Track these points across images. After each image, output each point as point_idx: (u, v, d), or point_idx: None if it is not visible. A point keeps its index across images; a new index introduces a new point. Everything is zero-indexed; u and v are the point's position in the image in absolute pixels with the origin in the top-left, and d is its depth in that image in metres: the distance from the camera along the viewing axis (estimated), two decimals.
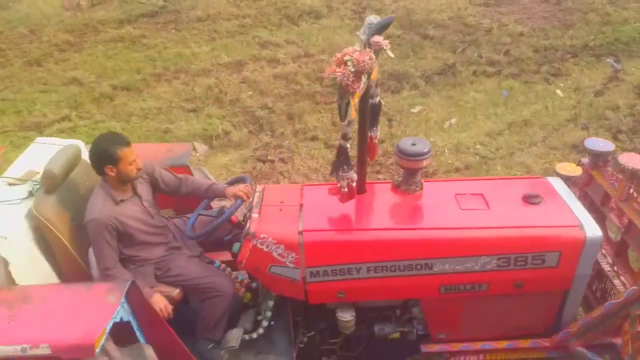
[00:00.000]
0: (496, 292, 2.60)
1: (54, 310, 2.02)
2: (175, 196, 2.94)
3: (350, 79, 2.08)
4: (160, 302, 2.59)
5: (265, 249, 2.52)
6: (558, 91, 6.12)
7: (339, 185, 2.46)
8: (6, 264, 2.22)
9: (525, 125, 5.58)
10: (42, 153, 2.72)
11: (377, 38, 2.26)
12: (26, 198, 2.49)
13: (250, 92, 6.67)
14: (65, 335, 1.90)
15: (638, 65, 6.54)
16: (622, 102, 5.84)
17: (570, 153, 5.06)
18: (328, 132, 5.85)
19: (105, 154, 2.51)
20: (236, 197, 2.77)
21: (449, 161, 5.18)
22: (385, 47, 2.26)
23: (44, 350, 1.84)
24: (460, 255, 2.49)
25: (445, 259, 2.49)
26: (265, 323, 2.77)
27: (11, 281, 2.26)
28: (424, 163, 2.71)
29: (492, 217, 2.59)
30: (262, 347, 2.80)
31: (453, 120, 5.89)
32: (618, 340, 2.54)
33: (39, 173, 2.54)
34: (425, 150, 2.66)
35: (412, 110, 6.15)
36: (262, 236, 2.52)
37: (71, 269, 2.40)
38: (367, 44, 2.27)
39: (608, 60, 6.59)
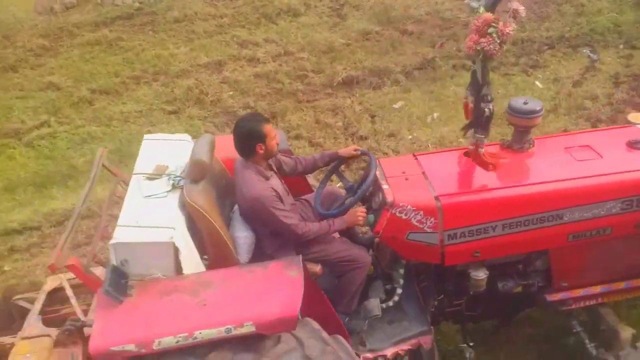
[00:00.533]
0: (618, 234, 2.81)
1: (242, 291, 2.13)
2: (293, 176, 3.05)
3: (496, 48, 2.39)
4: (354, 214, 2.71)
5: (403, 217, 2.63)
6: (537, 82, 6.22)
7: (474, 147, 2.70)
8: (178, 253, 2.27)
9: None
10: (158, 149, 2.82)
11: (516, 4, 2.47)
12: (170, 190, 2.53)
13: (232, 92, 6.63)
14: (265, 312, 2.03)
15: (613, 55, 6.66)
16: (599, 91, 5.95)
17: None
18: (311, 130, 5.85)
19: (255, 133, 2.62)
20: (351, 155, 3.01)
21: None
22: (522, 14, 2.47)
23: (248, 328, 1.97)
24: (588, 202, 2.69)
25: (575, 207, 2.68)
26: (399, 290, 2.90)
27: (180, 270, 2.31)
28: (537, 121, 2.90)
29: (609, 164, 2.81)
30: (394, 315, 2.91)
31: (435, 115, 5.93)
32: None
33: (168, 167, 2.64)
34: (538, 108, 2.86)
35: (394, 106, 6.18)
36: (400, 204, 2.63)
37: (221, 254, 2.44)
38: (491, 9, 2.47)
39: (584, 50, 6.70)
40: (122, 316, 2.04)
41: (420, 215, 2.63)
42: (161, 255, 2.21)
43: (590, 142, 3.01)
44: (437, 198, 2.67)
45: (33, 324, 2.89)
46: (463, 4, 8.45)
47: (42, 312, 2.99)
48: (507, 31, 2.37)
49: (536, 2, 8.11)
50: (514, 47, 6.97)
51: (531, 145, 2.97)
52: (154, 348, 1.92)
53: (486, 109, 2.58)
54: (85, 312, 2.87)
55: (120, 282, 2.08)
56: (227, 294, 2.14)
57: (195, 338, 1.95)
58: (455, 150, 3.18)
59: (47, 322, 2.93)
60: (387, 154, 5.33)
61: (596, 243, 2.83)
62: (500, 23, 2.37)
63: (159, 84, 6.92)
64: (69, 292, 3.04)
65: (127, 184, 2.74)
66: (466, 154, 2.90)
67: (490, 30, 2.35)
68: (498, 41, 2.36)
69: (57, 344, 2.72)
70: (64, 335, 2.71)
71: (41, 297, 3.09)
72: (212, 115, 6.25)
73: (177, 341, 1.94)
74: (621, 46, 6.80)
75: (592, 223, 2.74)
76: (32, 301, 3.12)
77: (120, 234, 2.22)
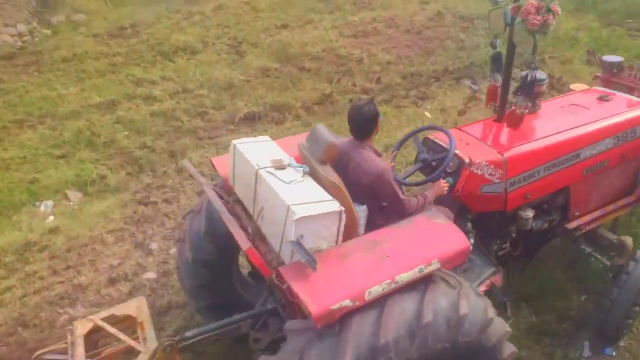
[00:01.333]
0: (611, 165, 3.71)
1: (412, 240, 2.54)
2: None
3: (553, 21, 3.11)
4: (440, 185, 3.17)
5: (479, 173, 3.24)
6: (427, 113, 6.63)
7: (517, 110, 3.41)
8: (342, 222, 2.46)
9: (402, 147, 5.92)
10: (253, 148, 2.93)
11: None
12: (303, 176, 2.70)
13: (127, 132, 6.34)
14: (444, 250, 2.46)
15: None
16: (481, 118, 6.44)
17: None
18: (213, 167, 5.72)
19: (377, 115, 2.93)
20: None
21: None
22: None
23: (434, 265, 2.38)
24: (594, 141, 3.55)
25: (587, 147, 3.53)
26: (472, 240, 3.31)
27: (339, 240, 2.51)
28: (544, 87, 3.74)
29: (597, 113, 3.72)
30: (465, 265, 3.35)
31: None
32: None
33: (281, 159, 2.79)
34: (544, 77, 3.68)
35: None
36: (477, 162, 3.23)
37: (350, 226, 2.57)
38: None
39: (466, 82, 7.29)
40: (323, 280, 2.28)
41: (491, 168, 3.25)
42: (331, 225, 2.42)
43: (573, 102, 3.96)
44: (499, 153, 3.30)
45: None
46: (356, 41, 8.89)
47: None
48: (557, 10, 3.11)
49: (422, 39, 8.76)
50: (404, 80, 7.44)
51: (539, 107, 3.81)
52: (366, 298, 2.21)
53: (531, 75, 3.39)
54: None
55: (309, 254, 2.28)
56: (400, 245, 2.49)
57: (397, 282, 2.28)
58: (485, 120, 3.87)
59: None
60: None
61: (597, 174, 3.71)
62: (552, 4, 3.11)
63: (45, 127, 6.45)
64: (113, 329, 3.01)
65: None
66: (497, 119, 3.67)
67: (544, 10, 3.08)
68: (554, 19, 3.11)
69: None
70: (164, 353, 2.70)
71: (79, 342, 2.90)
72: (105, 157, 5.91)
73: (383, 288, 2.24)
74: None
75: (598, 158, 3.62)
76: (62, 352, 2.94)
77: (299, 210, 2.34)
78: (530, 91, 3.48)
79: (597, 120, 3.64)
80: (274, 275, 2.40)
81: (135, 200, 5.24)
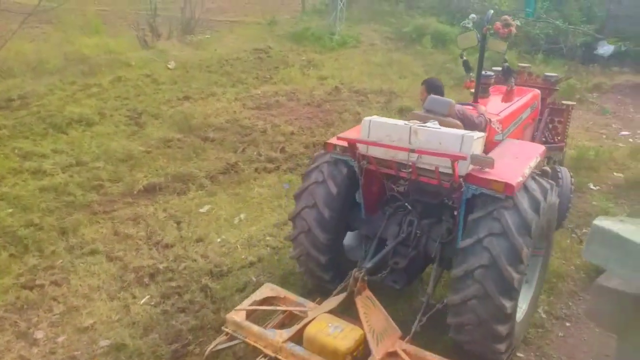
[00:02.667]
0: (529, 124, 5.84)
1: (519, 150, 4.17)
2: None
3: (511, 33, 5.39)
4: None
5: (494, 127, 4.65)
6: None
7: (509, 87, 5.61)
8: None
9: None
10: (384, 119, 4.09)
11: (504, 17, 5.54)
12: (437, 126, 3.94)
13: (11, 210, 5.78)
14: (538, 153, 4.09)
15: None
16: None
17: None
18: (110, 243, 5.36)
19: None
20: None
21: (242, 256, 5.20)
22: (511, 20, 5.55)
23: (539, 159, 4.06)
24: (525, 109, 5.52)
25: (524, 111, 5.49)
26: None
27: None
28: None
29: (523, 96, 5.67)
30: None
31: (242, 216, 6.01)
32: None
33: (421, 117, 4.13)
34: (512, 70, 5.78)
35: (201, 210, 6.10)
36: (492, 119, 4.68)
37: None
38: (488, 22, 4.98)
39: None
40: (498, 171, 3.58)
41: (498, 124, 4.70)
42: (481, 144, 3.82)
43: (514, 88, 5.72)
44: (497, 115, 4.82)
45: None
46: (259, 113, 9.10)
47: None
48: (514, 23, 5.50)
49: (322, 111, 9.21)
50: (307, 149, 7.68)
51: (512, 87, 5.66)
52: (525, 175, 3.65)
53: (505, 66, 5.71)
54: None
55: (487, 157, 3.64)
56: (516, 153, 4.11)
57: (531, 169, 3.81)
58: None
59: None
60: (195, 260, 5.13)
61: (525, 130, 5.59)
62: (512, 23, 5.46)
63: None
64: (269, 306, 3.93)
65: None
66: (474, 100, 5.04)
67: (511, 25, 5.42)
68: (515, 29, 5.51)
69: (354, 294, 3.66)
70: (361, 284, 3.67)
71: (246, 324, 3.69)
72: None
73: (528, 172, 3.73)
74: None
75: (527, 120, 5.56)
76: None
77: (471, 135, 3.65)
78: (508, 76, 5.61)
79: (523, 98, 5.53)
80: (461, 180, 3.55)
81: (18, 285, 4.70)
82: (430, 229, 4.05)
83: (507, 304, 3.32)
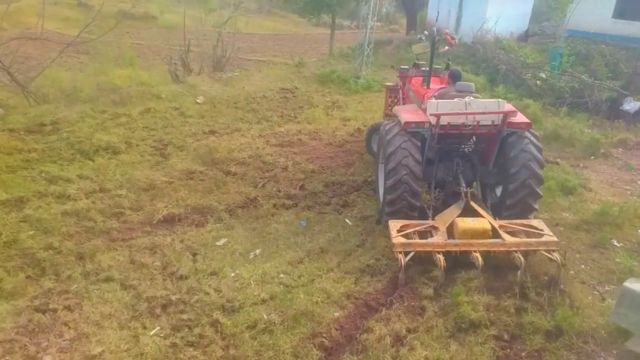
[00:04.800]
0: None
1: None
2: None
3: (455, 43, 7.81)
4: None
5: None
6: (347, 220, 6.82)
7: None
8: None
9: (322, 252, 5.98)
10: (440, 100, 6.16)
11: (446, 31, 7.72)
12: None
13: (32, 232, 5.90)
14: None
15: None
16: None
17: (362, 276, 5.50)
18: (125, 271, 5.39)
19: None
20: None
21: (255, 293, 5.15)
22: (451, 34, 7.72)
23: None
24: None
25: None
26: None
27: None
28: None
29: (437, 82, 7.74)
30: None
31: (258, 251, 6.00)
32: None
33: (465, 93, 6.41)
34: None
35: (217, 243, 6.12)
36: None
37: None
38: (440, 35, 7.40)
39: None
40: None
41: None
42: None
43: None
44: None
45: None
46: (282, 150, 9.18)
47: None
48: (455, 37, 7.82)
49: (343, 151, 9.27)
50: (327, 188, 7.70)
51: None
52: None
53: (449, 64, 7.90)
54: None
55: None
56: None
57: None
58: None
59: None
60: (208, 293, 5.11)
61: None
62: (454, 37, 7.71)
63: None
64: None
65: None
66: (427, 86, 7.27)
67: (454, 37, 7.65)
68: (455, 41, 7.63)
69: (468, 202, 6.01)
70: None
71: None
72: (3, 258, 5.40)
73: None
74: None
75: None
76: None
77: (502, 101, 6.03)
78: (448, 69, 7.52)
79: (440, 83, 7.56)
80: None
81: (32, 307, 4.74)
82: (473, 162, 6.49)
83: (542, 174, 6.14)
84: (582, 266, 5.90)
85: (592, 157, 9.70)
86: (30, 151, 8.02)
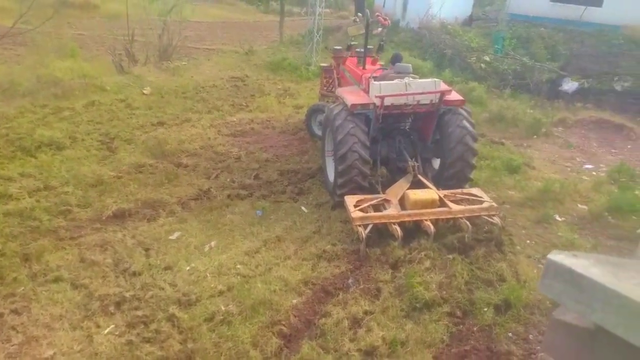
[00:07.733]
0: None
1: None
2: None
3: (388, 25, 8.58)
4: None
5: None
6: (303, 208, 6.85)
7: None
8: None
9: (279, 240, 5.99)
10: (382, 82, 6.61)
11: (378, 12, 10.03)
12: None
13: None
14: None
15: None
16: None
17: (319, 262, 5.56)
18: (75, 270, 5.21)
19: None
20: None
21: (212, 285, 5.11)
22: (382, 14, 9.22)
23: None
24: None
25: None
26: None
27: None
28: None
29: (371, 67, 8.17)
30: None
31: (213, 243, 5.94)
32: None
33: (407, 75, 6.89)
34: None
35: (171, 237, 6.01)
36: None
37: None
38: (373, 17, 8.49)
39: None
40: None
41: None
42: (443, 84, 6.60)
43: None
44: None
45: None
46: (234, 139, 9.08)
47: None
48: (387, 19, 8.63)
49: (297, 139, 9.27)
50: (282, 177, 7.69)
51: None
52: None
53: (382, 44, 8.77)
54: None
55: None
56: None
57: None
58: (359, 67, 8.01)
59: None
60: (163, 288, 5.02)
61: None
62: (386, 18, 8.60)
63: None
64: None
65: None
66: (363, 67, 7.89)
67: (385, 18, 8.42)
68: (387, 22, 8.44)
69: (415, 175, 6.46)
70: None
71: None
72: None
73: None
74: None
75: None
76: None
77: (437, 80, 6.51)
78: (381, 50, 8.66)
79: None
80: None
81: None
82: (414, 137, 6.97)
83: (476, 147, 6.69)
84: (528, 241, 6.20)
85: (535, 136, 10.14)
86: None
